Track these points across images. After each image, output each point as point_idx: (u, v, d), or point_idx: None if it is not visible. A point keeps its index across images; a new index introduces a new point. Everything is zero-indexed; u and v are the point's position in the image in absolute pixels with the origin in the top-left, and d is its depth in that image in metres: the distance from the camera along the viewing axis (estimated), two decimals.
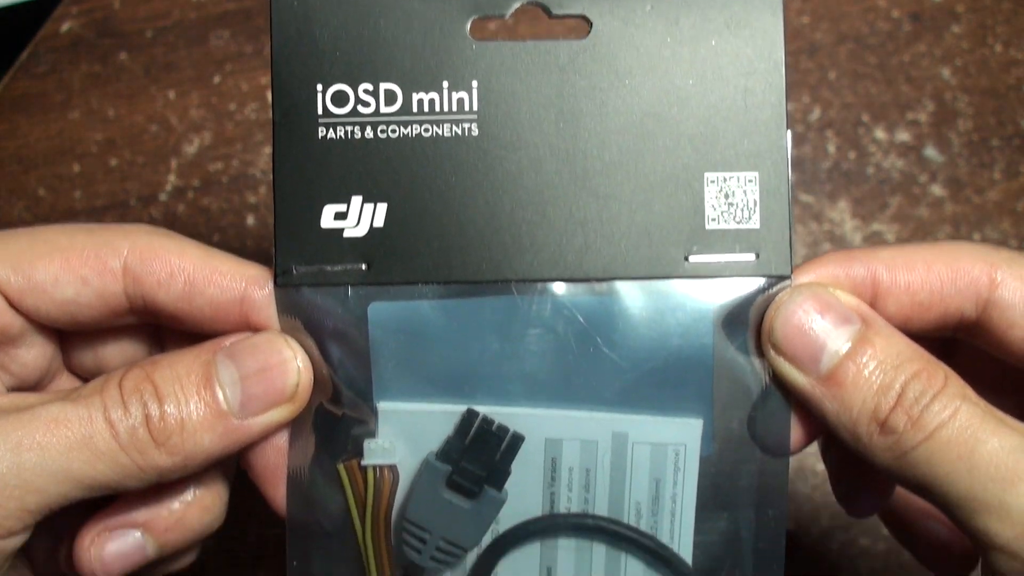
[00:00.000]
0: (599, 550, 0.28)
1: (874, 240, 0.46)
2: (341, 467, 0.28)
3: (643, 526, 0.28)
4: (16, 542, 0.25)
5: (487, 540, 0.28)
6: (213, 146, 0.45)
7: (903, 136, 0.47)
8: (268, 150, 0.45)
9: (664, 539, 0.28)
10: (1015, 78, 0.49)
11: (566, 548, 0.28)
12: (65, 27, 0.46)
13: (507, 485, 0.28)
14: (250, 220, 0.44)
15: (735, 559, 0.28)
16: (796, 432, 0.27)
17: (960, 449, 0.24)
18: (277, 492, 0.28)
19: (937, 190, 0.47)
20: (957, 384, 0.25)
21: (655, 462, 0.28)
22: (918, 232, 0.46)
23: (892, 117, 0.47)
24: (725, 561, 0.28)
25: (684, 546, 0.28)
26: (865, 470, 0.30)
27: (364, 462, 0.27)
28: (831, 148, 0.47)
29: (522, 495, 0.28)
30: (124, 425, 0.25)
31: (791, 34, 0.48)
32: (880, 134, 0.47)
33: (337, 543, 0.28)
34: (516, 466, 0.27)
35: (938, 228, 0.47)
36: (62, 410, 0.25)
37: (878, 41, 0.48)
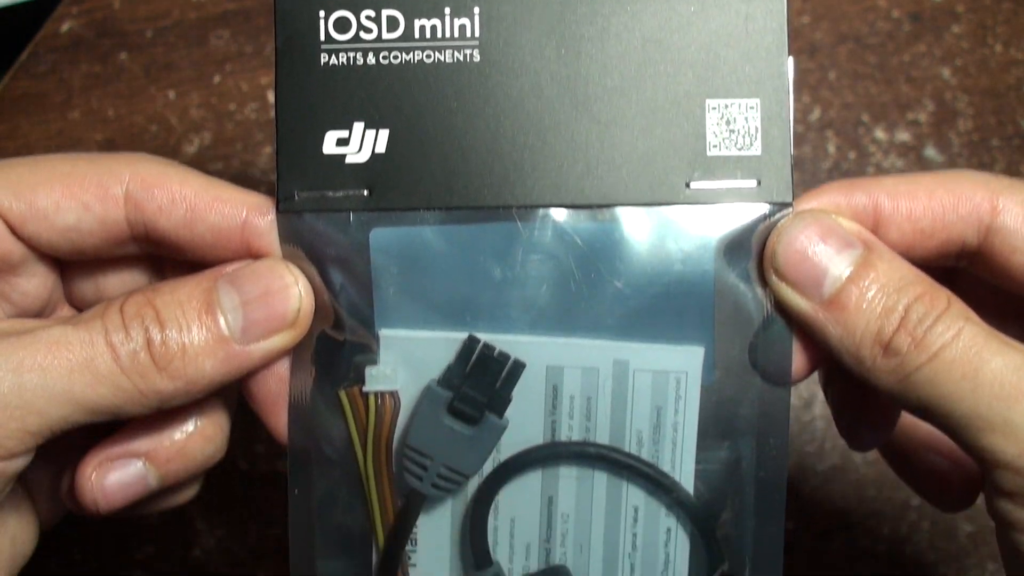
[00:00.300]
0: (600, 479, 0.28)
1: None
2: (343, 394, 0.27)
3: (644, 454, 0.28)
4: (17, 464, 0.25)
5: (488, 468, 0.28)
6: (213, 146, 0.45)
7: (903, 136, 0.47)
8: (269, 150, 0.45)
9: (665, 467, 0.28)
10: (1015, 78, 0.48)
11: (567, 477, 0.28)
12: (65, 27, 0.46)
13: (508, 413, 0.28)
14: None
15: (736, 488, 0.28)
16: (798, 360, 0.27)
17: (964, 369, 0.24)
18: (279, 420, 0.28)
19: None
20: (960, 307, 0.25)
21: (656, 390, 0.28)
22: None
23: (892, 117, 0.47)
24: (726, 490, 0.28)
25: (685, 474, 0.28)
26: (867, 403, 0.30)
27: (365, 388, 0.27)
28: (831, 148, 0.47)
29: (523, 423, 0.28)
30: (125, 349, 0.25)
31: (791, 34, 0.48)
32: (880, 134, 0.47)
33: (338, 470, 0.28)
34: (517, 394, 0.27)
35: None
36: (63, 333, 0.25)
37: (878, 41, 0.48)
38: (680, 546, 0.29)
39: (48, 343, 0.25)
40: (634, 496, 0.28)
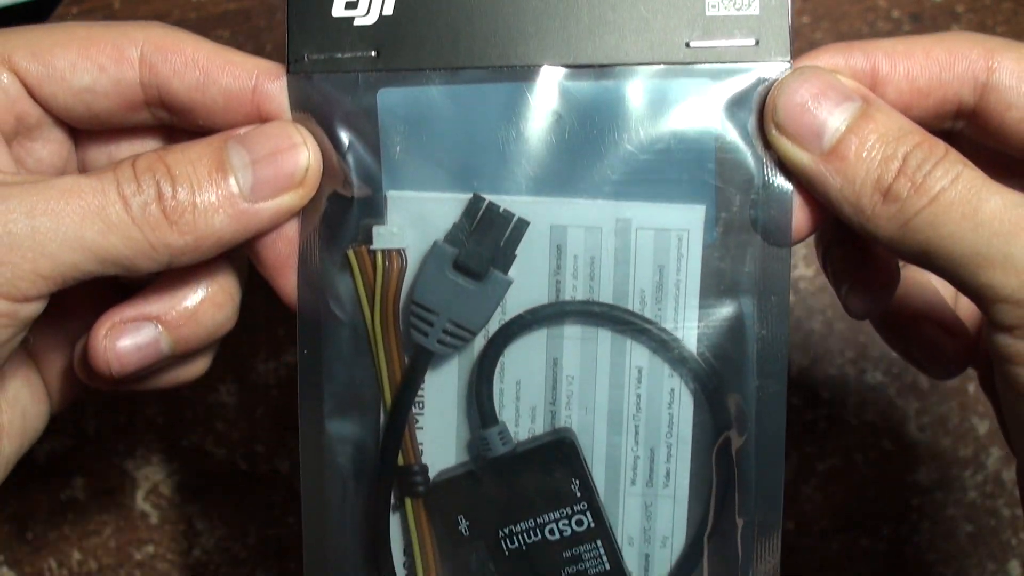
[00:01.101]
0: (604, 340, 0.29)
1: None
2: (351, 252, 0.28)
3: (647, 314, 0.28)
4: (29, 310, 0.25)
5: (494, 328, 0.28)
6: None
7: None
8: None
9: (668, 326, 0.28)
10: None
11: (572, 339, 0.29)
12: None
13: (513, 273, 0.28)
14: None
15: (738, 346, 0.28)
16: (798, 219, 0.28)
17: (964, 208, 0.25)
18: (288, 282, 0.28)
19: None
20: (957, 154, 0.26)
21: (659, 248, 0.28)
22: None
23: None
24: (728, 347, 0.28)
25: (688, 333, 0.28)
26: (867, 267, 0.30)
27: (373, 247, 0.28)
28: None
29: (528, 283, 0.28)
30: (137, 200, 0.25)
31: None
32: None
33: (347, 330, 0.28)
34: (522, 253, 0.28)
35: None
36: (75, 182, 0.25)
37: None
38: (684, 407, 0.29)
39: (61, 190, 0.25)
40: (638, 357, 0.29)
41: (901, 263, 0.32)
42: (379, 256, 0.28)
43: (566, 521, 0.29)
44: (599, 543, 0.29)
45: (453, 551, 0.29)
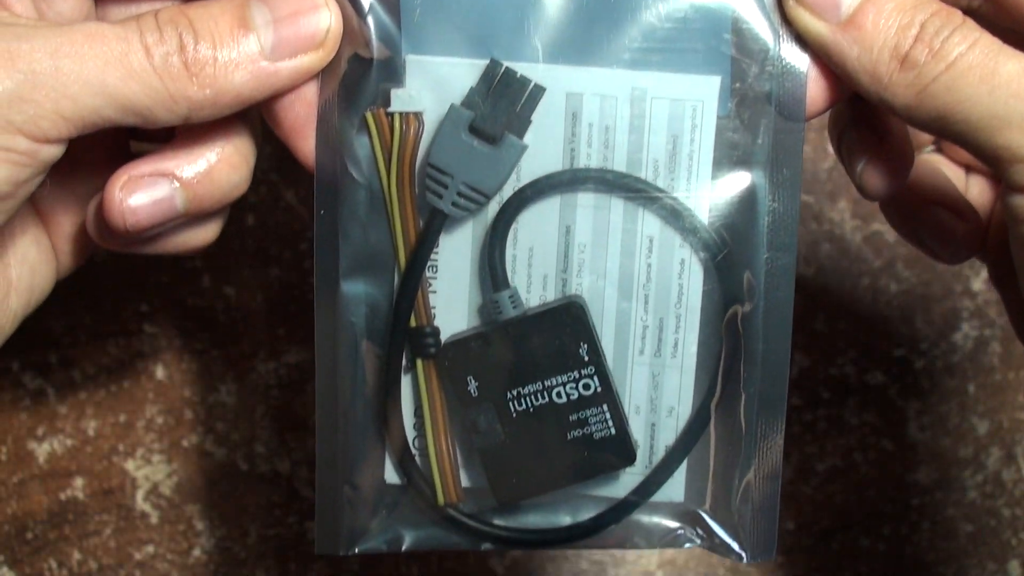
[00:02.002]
0: (617, 208, 0.29)
1: (875, 241, 0.46)
2: (368, 114, 0.28)
3: (660, 183, 0.29)
4: (50, 153, 0.25)
5: (509, 193, 0.29)
6: None
7: None
8: (268, 150, 0.45)
9: (680, 196, 0.29)
10: None
11: (585, 207, 0.29)
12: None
13: (528, 137, 0.28)
14: (250, 220, 0.44)
15: (749, 218, 0.29)
16: (812, 92, 0.28)
17: (981, 72, 0.25)
18: (306, 144, 0.28)
19: None
20: (973, 23, 0.26)
21: (673, 118, 0.28)
22: None
23: None
24: (739, 219, 0.29)
25: (700, 203, 0.29)
26: (882, 145, 0.31)
27: (391, 109, 0.28)
28: (831, 148, 0.47)
29: (543, 150, 0.29)
30: (159, 50, 0.25)
31: None
32: None
33: (363, 192, 0.29)
34: (537, 120, 0.28)
35: None
36: (99, 28, 0.25)
37: None
38: (693, 277, 0.29)
39: (85, 34, 0.25)
40: (650, 226, 0.29)
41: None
42: (396, 119, 0.28)
43: (573, 385, 0.29)
44: (605, 408, 0.29)
45: (462, 412, 0.29)
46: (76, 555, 0.42)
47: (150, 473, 0.42)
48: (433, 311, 0.30)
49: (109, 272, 0.43)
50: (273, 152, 0.44)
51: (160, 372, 0.43)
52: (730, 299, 0.29)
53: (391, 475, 0.30)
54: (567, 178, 0.29)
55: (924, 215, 0.33)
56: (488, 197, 0.28)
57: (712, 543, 0.30)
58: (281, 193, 0.44)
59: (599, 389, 0.29)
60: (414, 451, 0.30)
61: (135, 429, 0.42)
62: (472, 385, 0.29)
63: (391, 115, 0.28)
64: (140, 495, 0.42)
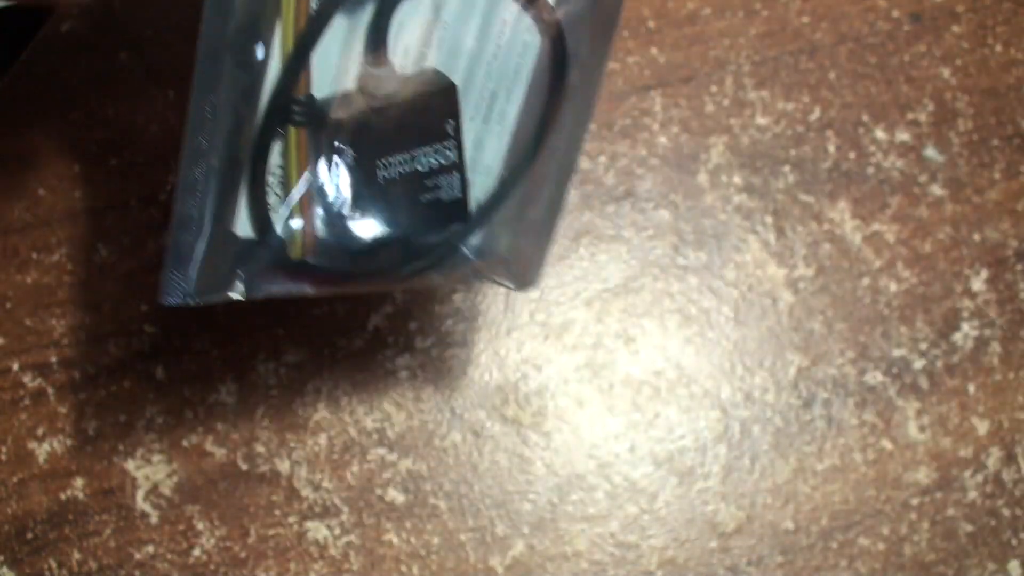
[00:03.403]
0: None
1: (874, 240, 0.46)
2: None
3: None
4: None
5: None
6: None
7: (903, 136, 0.47)
8: None
9: None
10: (1015, 78, 0.49)
11: None
12: (65, 27, 0.46)
13: None
14: None
15: (587, 9, 0.32)
16: None
17: None
18: None
19: (937, 190, 0.47)
20: None
21: None
22: (918, 232, 0.46)
23: (892, 117, 0.47)
24: (582, 11, 0.32)
25: None
26: None
27: None
28: (831, 148, 0.47)
29: None
30: None
31: (791, 34, 0.48)
32: (880, 134, 0.47)
33: None
34: None
35: (938, 228, 0.47)
36: None
37: (878, 41, 0.48)
38: (530, 57, 0.32)
39: None
40: (507, 10, 0.31)
41: None
42: None
43: (435, 155, 0.31)
44: (456, 175, 0.32)
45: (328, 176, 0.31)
46: (76, 555, 0.42)
47: (150, 473, 0.42)
48: (312, 79, 0.30)
49: (109, 272, 0.43)
50: None
51: (160, 372, 0.43)
52: (555, 82, 0.32)
53: (245, 229, 0.30)
54: None
55: None
56: None
57: (488, 275, 0.34)
58: None
59: (455, 160, 0.31)
60: (275, 211, 0.31)
61: (135, 429, 0.42)
62: (348, 154, 0.31)
63: None
64: (140, 495, 0.42)
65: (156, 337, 0.43)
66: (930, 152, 0.47)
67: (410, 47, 0.31)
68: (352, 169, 0.31)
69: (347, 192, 0.31)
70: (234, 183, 0.30)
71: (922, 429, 0.45)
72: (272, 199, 0.30)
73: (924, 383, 0.45)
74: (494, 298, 0.44)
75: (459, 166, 0.31)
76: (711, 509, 0.43)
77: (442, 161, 0.31)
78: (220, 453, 0.42)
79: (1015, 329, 0.46)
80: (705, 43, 0.47)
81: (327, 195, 0.31)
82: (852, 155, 0.47)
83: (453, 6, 0.31)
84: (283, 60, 0.29)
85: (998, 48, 0.49)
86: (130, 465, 0.42)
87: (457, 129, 0.31)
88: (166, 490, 0.42)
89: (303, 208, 0.31)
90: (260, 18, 0.29)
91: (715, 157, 0.46)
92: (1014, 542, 0.45)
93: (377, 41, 0.29)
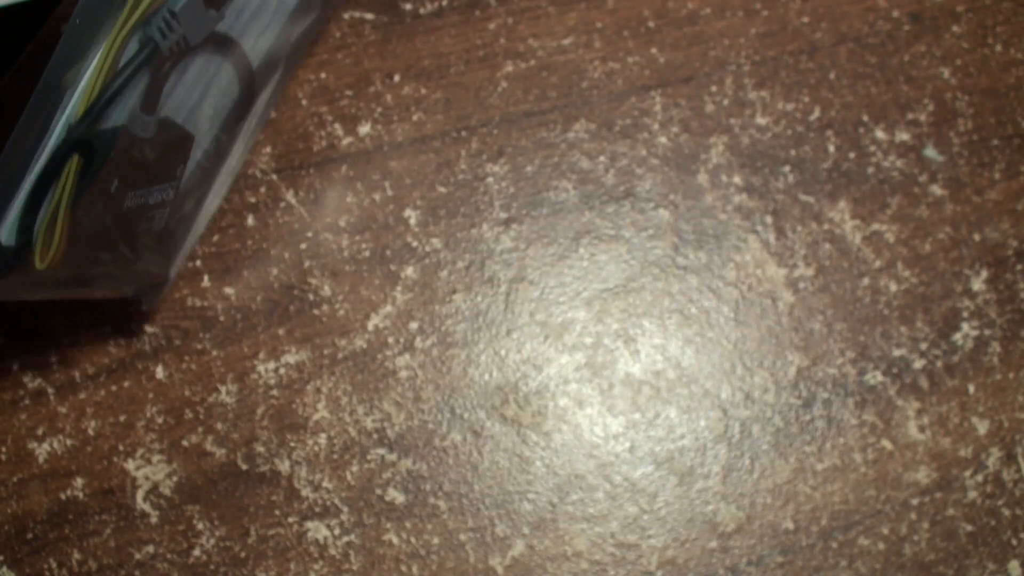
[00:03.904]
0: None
1: (874, 240, 0.46)
2: None
3: None
4: None
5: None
6: None
7: (903, 136, 0.47)
8: (268, 149, 0.45)
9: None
10: (1015, 78, 0.49)
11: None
12: (65, 27, 0.46)
13: None
14: (250, 220, 0.44)
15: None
16: None
17: None
18: None
19: (937, 190, 0.47)
20: None
21: None
22: (918, 232, 0.46)
23: (892, 117, 0.47)
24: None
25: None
26: None
27: None
28: (831, 148, 0.47)
29: None
30: None
31: (791, 34, 0.48)
32: (880, 134, 0.47)
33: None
34: None
35: (938, 228, 0.47)
36: None
37: (878, 41, 0.48)
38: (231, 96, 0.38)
39: None
40: (224, 68, 0.37)
41: None
42: None
43: (163, 192, 0.36)
44: (167, 210, 0.37)
45: (91, 203, 0.33)
46: (76, 555, 0.42)
47: (150, 473, 0.42)
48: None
49: None
50: (273, 152, 0.44)
51: (160, 372, 0.43)
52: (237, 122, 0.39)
53: (8, 238, 0.32)
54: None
55: None
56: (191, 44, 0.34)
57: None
58: (281, 193, 0.44)
59: (172, 197, 0.37)
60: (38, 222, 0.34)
61: (135, 429, 0.42)
62: (113, 184, 0.34)
63: None
64: (140, 495, 0.42)
65: (156, 337, 0.43)
66: (930, 152, 0.47)
67: (181, 101, 0.36)
68: (111, 196, 0.34)
69: (98, 214, 0.34)
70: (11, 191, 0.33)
71: (922, 429, 0.45)
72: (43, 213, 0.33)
73: (924, 383, 0.45)
74: (494, 298, 0.44)
75: (173, 202, 0.37)
76: (711, 509, 0.43)
77: (165, 197, 0.36)
78: (220, 453, 0.42)
79: (1015, 329, 0.46)
80: (705, 43, 0.47)
81: (88, 214, 0.34)
82: (852, 155, 0.47)
83: (196, 68, 0.36)
84: (85, 97, 0.33)
85: (998, 48, 0.49)
86: (130, 465, 0.42)
87: (182, 173, 0.37)
88: (166, 490, 0.42)
89: (58, 224, 0.33)
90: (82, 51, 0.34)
91: (715, 157, 0.46)
92: (1014, 542, 0.45)
93: (151, 94, 0.34)
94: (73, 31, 0.33)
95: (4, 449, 0.42)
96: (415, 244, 0.44)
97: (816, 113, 0.47)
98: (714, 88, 0.47)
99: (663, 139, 0.46)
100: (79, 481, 0.42)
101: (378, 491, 0.42)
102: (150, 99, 0.34)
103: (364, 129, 0.45)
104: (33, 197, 0.32)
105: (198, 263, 0.43)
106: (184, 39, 0.33)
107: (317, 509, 0.42)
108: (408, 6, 0.47)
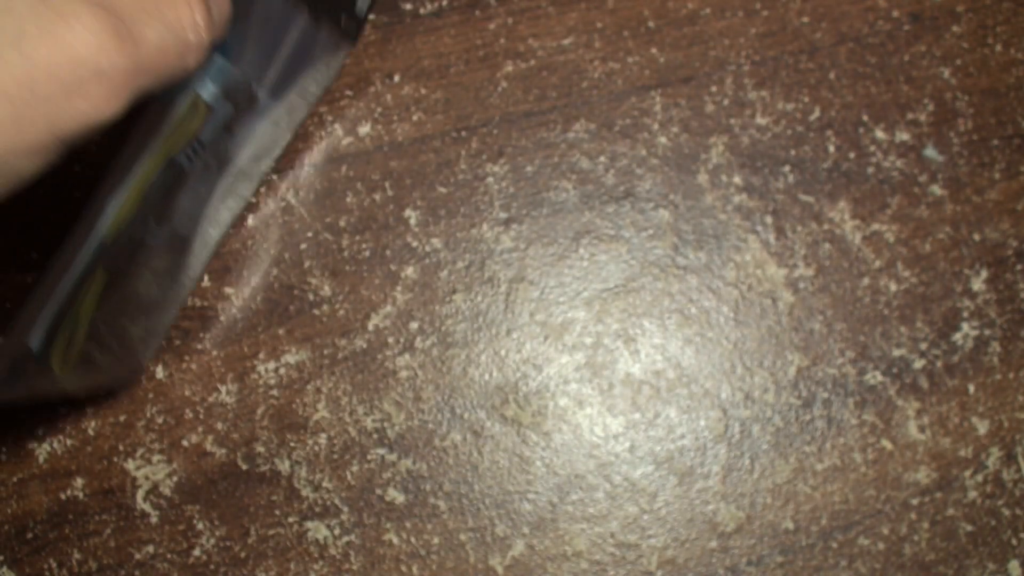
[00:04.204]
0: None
1: (874, 240, 0.46)
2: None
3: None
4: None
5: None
6: None
7: (903, 136, 0.47)
8: None
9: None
10: (1015, 78, 0.48)
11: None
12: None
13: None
14: (250, 220, 0.44)
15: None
16: None
17: None
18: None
19: (937, 190, 0.47)
20: None
21: None
22: (918, 232, 0.46)
23: (892, 117, 0.47)
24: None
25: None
26: None
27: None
28: (831, 148, 0.47)
29: None
30: None
31: (791, 34, 0.48)
32: (880, 134, 0.47)
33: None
34: None
35: (938, 228, 0.47)
36: None
37: (878, 41, 0.48)
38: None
39: None
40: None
41: None
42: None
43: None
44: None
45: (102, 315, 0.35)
46: (76, 555, 0.42)
47: (150, 473, 0.42)
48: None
49: None
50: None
51: (160, 372, 0.43)
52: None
53: (36, 341, 0.33)
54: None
55: None
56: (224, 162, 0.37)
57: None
58: (281, 193, 0.44)
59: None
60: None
61: (135, 429, 0.42)
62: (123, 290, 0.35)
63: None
64: (140, 495, 0.42)
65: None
66: (930, 152, 0.47)
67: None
68: (109, 315, 0.36)
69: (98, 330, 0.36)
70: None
71: (922, 429, 0.45)
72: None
73: (924, 383, 0.45)
74: (494, 298, 0.44)
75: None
76: (711, 509, 0.43)
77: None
78: (220, 453, 0.42)
79: (1015, 329, 0.46)
80: (705, 43, 0.47)
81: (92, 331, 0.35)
82: (852, 155, 0.47)
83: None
84: (119, 214, 0.34)
85: (998, 48, 0.49)
86: (130, 465, 0.42)
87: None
88: (166, 490, 0.42)
89: (79, 337, 0.34)
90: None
91: (715, 157, 0.46)
92: (1014, 542, 0.45)
93: (166, 208, 0.36)
94: (121, 159, 0.34)
95: (4, 449, 0.42)
96: (415, 244, 0.44)
97: (816, 113, 0.47)
98: (714, 88, 0.47)
99: (663, 139, 0.46)
100: (79, 481, 0.42)
101: (378, 491, 0.42)
102: (165, 212, 0.36)
103: (364, 129, 0.45)
104: (62, 307, 0.33)
105: None
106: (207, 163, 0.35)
107: (317, 509, 0.42)
108: (408, 6, 0.47)
